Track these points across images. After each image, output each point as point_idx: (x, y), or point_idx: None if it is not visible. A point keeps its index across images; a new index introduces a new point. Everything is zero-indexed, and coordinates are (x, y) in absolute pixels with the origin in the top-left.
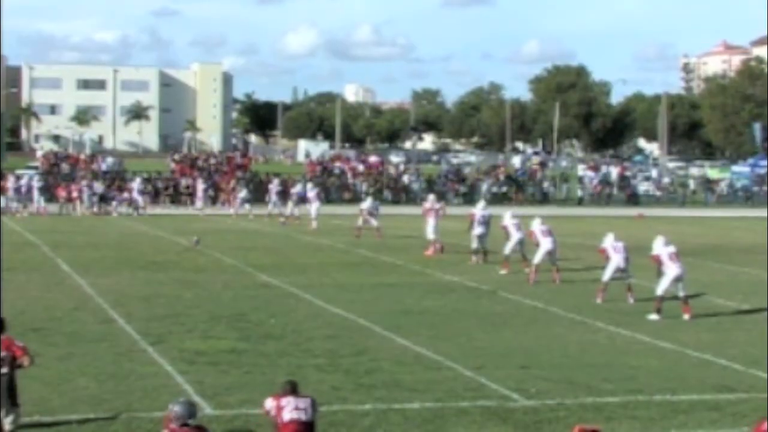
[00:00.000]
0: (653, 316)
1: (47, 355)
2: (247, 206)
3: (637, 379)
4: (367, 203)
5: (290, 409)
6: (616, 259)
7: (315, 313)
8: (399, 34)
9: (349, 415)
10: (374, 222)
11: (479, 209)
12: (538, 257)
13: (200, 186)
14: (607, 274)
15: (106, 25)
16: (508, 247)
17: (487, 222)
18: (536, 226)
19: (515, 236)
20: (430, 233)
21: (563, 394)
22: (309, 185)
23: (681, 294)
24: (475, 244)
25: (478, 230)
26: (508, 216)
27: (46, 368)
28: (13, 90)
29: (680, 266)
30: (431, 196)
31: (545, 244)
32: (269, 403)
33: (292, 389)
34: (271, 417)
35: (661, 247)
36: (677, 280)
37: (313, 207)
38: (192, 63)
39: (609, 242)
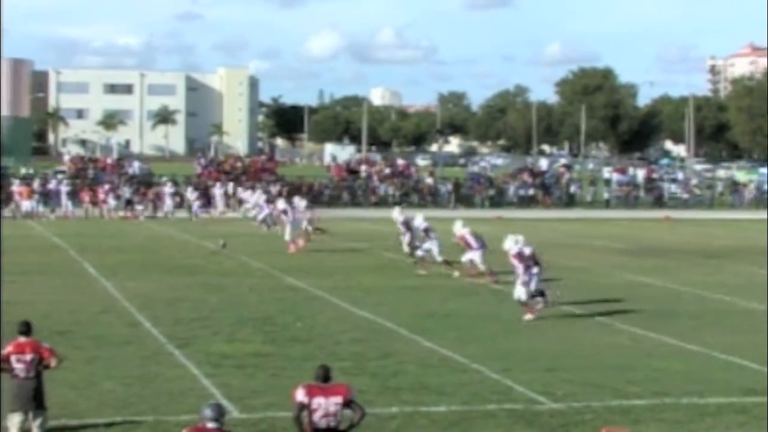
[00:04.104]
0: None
1: (73, 358)
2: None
3: (664, 382)
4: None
5: (320, 415)
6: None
7: (341, 316)
8: (422, 37)
9: (376, 419)
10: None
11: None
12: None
13: (218, 190)
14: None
15: (129, 29)
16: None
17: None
18: (463, 229)
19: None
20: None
21: (590, 397)
22: (296, 198)
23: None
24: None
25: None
26: (459, 225)
27: (72, 371)
28: (40, 95)
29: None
30: (397, 209)
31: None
32: (300, 395)
33: (325, 375)
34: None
35: (515, 246)
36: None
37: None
38: (218, 67)
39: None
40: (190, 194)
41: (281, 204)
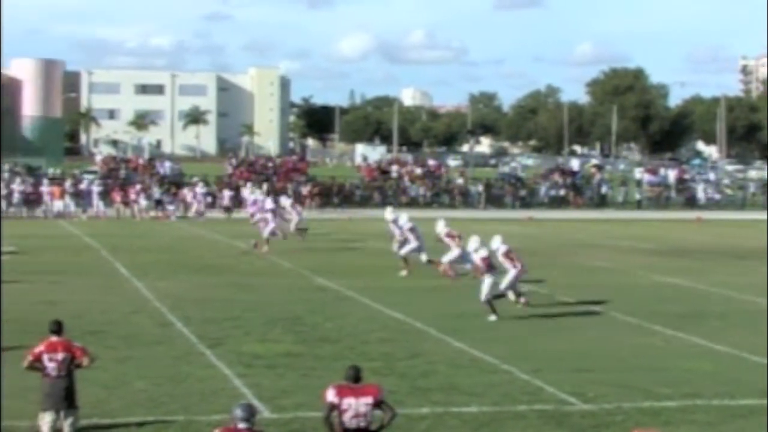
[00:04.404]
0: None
1: (105, 357)
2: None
3: (694, 383)
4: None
5: (351, 416)
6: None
7: (370, 316)
8: (452, 38)
9: (406, 419)
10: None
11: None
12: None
13: (248, 190)
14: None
15: (160, 30)
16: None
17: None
18: (446, 228)
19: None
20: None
21: (620, 398)
22: (282, 198)
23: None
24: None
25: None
26: (441, 224)
27: (103, 371)
28: (73, 95)
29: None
30: (389, 208)
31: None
32: (331, 396)
33: (355, 376)
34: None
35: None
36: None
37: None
38: (248, 67)
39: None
40: (200, 189)
41: (269, 204)
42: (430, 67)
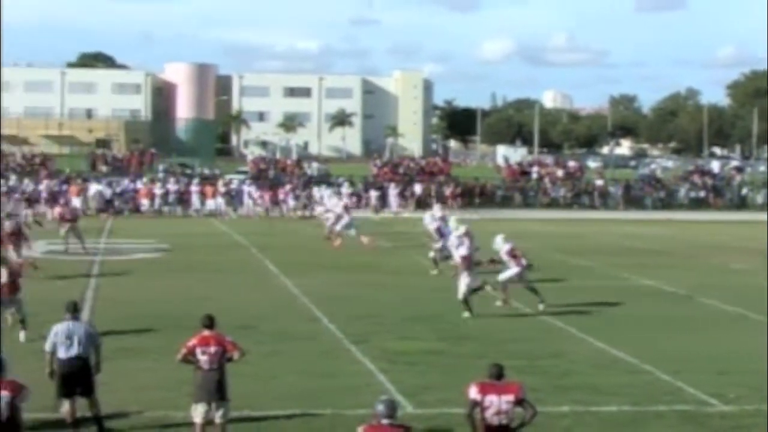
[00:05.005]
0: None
1: (255, 352)
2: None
3: None
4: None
5: (492, 413)
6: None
7: (512, 314)
8: (593, 40)
9: (546, 417)
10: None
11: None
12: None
13: (393, 191)
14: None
15: (307, 34)
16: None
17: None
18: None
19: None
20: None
21: (761, 401)
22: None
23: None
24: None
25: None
26: (453, 222)
27: (253, 365)
28: (224, 98)
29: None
30: (436, 206)
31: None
32: (473, 393)
33: (498, 374)
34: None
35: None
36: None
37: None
38: (393, 70)
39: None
40: (345, 190)
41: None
42: (571, 70)
